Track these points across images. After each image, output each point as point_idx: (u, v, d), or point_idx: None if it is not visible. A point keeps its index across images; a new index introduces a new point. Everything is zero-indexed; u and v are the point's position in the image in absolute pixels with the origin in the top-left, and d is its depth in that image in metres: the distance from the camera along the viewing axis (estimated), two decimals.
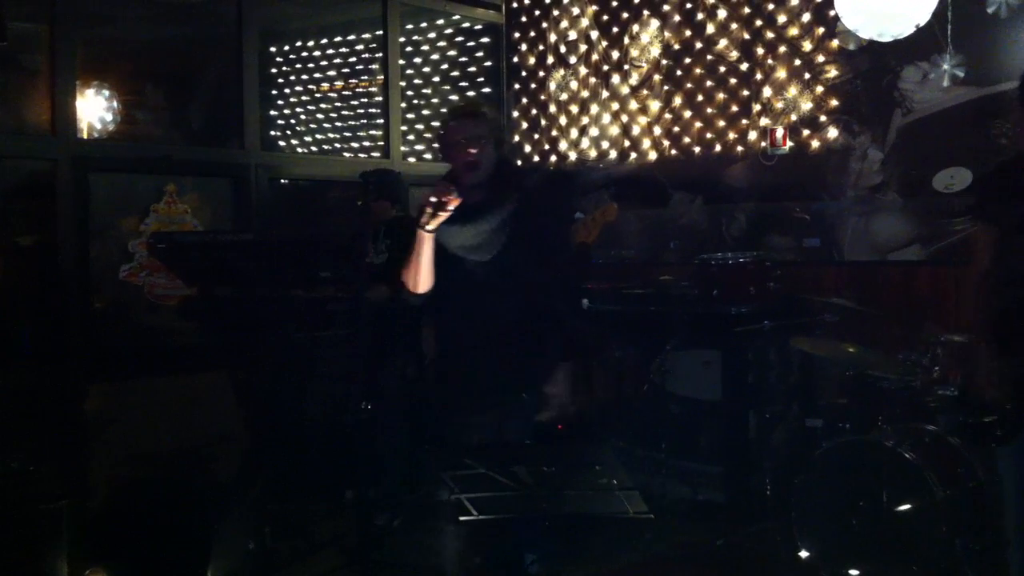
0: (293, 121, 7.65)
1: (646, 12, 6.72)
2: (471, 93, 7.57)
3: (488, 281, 3.68)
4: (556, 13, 7.20)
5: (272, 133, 7.30)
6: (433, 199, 3.45)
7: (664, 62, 6.65)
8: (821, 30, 5.95)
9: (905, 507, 4.23)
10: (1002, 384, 3.38)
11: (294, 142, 7.58)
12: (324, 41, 7.62)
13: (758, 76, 6.21)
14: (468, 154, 3.58)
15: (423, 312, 4.63)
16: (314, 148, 7.59)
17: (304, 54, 7.68)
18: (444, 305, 3.80)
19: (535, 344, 3.72)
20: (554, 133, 7.24)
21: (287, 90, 7.65)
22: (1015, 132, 3.47)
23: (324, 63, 7.63)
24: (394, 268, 5.54)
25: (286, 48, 7.67)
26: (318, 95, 7.66)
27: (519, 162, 6.72)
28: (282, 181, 6.49)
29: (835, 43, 5.91)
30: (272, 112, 7.41)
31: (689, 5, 6.51)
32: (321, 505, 5.52)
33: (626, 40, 6.83)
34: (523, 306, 3.71)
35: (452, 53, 7.54)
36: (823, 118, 5.97)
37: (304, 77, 7.67)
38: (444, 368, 3.94)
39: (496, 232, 3.66)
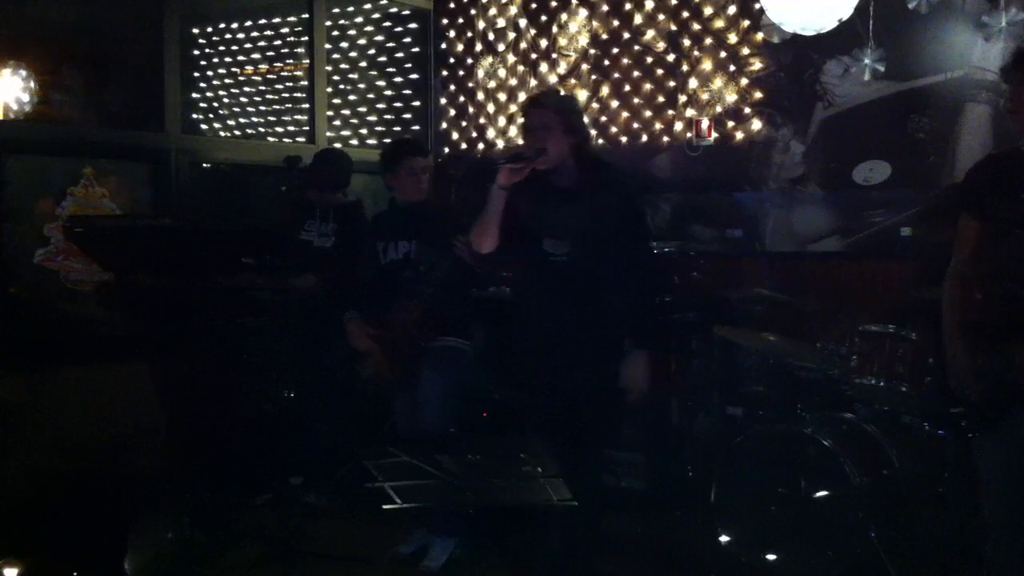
0: (216, 104, 7.51)
1: (575, 1, 6.72)
2: (398, 79, 7.52)
3: (565, 268, 3.81)
4: (485, 0, 7.18)
5: (194, 116, 7.15)
6: (506, 158, 3.68)
7: (592, 52, 6.66)
8: (746, 23, 6.01)
9: (822, 494, 4.30)
10: (982, 377, 3.34)
11: (217, 126, 7.44)
12: (248, 23, 7.49)
13: (684, 67, 6.25)
14: (536, 143, 3.74)
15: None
16: (237, 132, 7.47)
17: (228, 36, 7.54)
18: (523, 290, 3.98)
19: (608, 332, 3.89)
20: (481, 121, 7.22)
21: (210, 73, 7.50)
22: (1012, 114, 3.39)
23: (248, 46, 7.50)
24: (340, 253, 5.52)
25: (209, 30, 7.53)
26: (242, 78, 7.54)
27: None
28: (204, 165, 6.37)
29: (760, 36, 5.96)
30: (194, 95, 7.27)
31: None
32: (244, 495, 5.45)
33: (555, 29, 6.83)
34: (600, 295, 3.83)
35: (379, 38, 7.48)
36: (747, 110, 6.03)
37: (227, 60, 7.54)
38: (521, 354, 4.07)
39: (572, 219, 3.77)
